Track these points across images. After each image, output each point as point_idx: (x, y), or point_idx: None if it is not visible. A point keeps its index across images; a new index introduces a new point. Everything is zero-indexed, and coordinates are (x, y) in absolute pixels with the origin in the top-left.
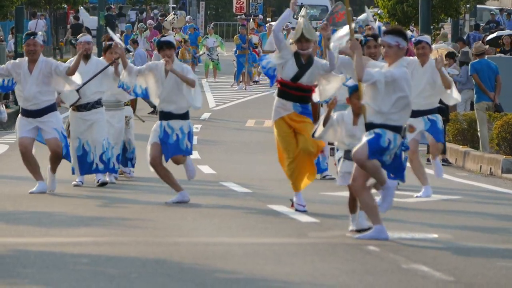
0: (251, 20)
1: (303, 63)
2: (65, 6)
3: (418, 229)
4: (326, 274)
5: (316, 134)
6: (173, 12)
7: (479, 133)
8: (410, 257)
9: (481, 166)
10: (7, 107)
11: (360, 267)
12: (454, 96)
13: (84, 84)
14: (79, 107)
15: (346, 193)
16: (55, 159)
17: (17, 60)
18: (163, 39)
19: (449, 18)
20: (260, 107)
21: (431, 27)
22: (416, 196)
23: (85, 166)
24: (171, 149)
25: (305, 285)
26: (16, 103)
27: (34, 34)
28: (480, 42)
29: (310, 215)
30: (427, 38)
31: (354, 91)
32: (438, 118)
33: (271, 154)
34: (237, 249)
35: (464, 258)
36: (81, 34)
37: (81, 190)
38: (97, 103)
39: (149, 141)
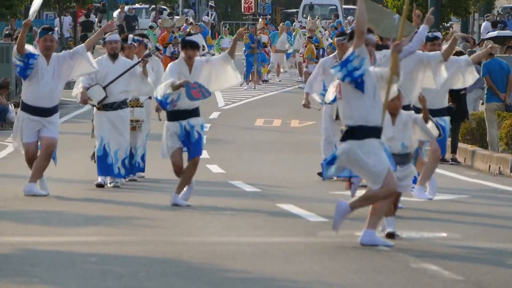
0: (260, 19)
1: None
2: (75, 5)
3: (427, 228)
4: (334, 273)
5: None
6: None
7: (487, 133)
8: (419, 256)
9: (490, 166)
10: (15, 106)
11: (369, 266)
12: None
13: (111, 82)
14: (105, 106)
15: None
16: (45, 158)
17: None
18: (188, 38)
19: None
20: (269, 106)
21: (440, 26)
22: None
23: (104, 167)
24: (193, 149)
25: (313, 284)
26: None
27: (51, 29)
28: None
29: (319, 214)
30: (439, 34)
31: None
32: (447, 123)
33: (280, 154)
34: (246, 248)
35: (473, 257)
36: (108, 33)
37: (89, 190)
38: (123, 103)
39: (169, 145)
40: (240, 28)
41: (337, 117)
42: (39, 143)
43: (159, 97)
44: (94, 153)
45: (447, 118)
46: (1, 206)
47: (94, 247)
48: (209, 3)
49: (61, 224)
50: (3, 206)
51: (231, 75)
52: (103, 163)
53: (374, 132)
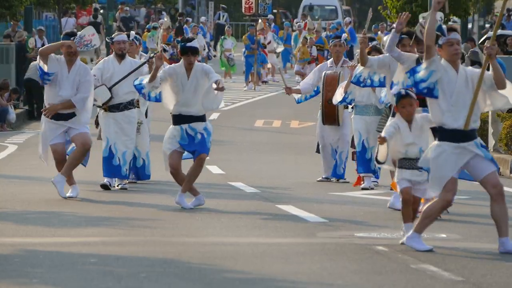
0: (259, 20)
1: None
2: (74, 6)
3: (426, 229)
4: (334, 274)
5: (380, 159)
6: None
7: (492, 130)
8: (418, 257)
9: None
10: (15, 107)
11: (368, 266)
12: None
13: (116, 83)
14: (111, 107)
15: (354, 193)
16: (82, 154)
17: (58, 56)
18: (188, 44)
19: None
20: (269, 107)
21: None
22: None
23: (110, 168)
24: (198, 148)
25: (313, 285)
26: (24, 104)
27: (74, 34)
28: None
29: (319, 215)
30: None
31: (399, 99)
32: None
33: (280, 154)
34: (246, 248)
35: (472, 258)
36: (116, 33)
37: (89, 191)
38: (130, 104)
39: (166, 147)
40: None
41: (324, 123)
42: (71, 146)
43: (135, 83)
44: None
45: None
46: (1, 207)
47: (95, 248)
48: (221, 5)
49: (62, 225)
50: (4, 207)
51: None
52: (109, 165)
53: (451, 135)
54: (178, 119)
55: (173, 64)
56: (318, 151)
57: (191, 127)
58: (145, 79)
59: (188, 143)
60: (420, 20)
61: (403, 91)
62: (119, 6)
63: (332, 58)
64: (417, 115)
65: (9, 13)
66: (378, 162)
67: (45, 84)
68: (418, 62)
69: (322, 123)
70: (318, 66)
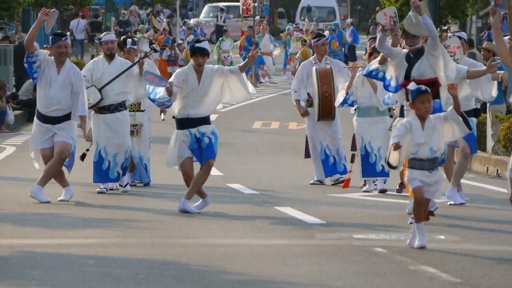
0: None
1: (412, 56)
2: (72, 7)
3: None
4: (332, 275)
5: (393, 163)
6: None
7: (491, 133)
8: (417, 259)
9: (487, 168)
10: (13, 109)
11: (367, 268)
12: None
13: (107, 84)
14: (101, 109)
15: (352, 195)
16: (57, 163)
17: (47, 57)
18: (197, 45)
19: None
20: (267, 108)
21: (438, 28)
22: (450, 204)
23: (100, 173)
24: (205, 153)
25: (311, 286)
26: (23, 105)
27: (64, 35)
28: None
29: (317, 216)
30: (463, 34)
31: (418, 95)
32: (475, 124)
33: (278, 156)
34: (244, 250)
35: (471, 260)
36: (104, 33)
37: (87, 192)
38: (121, 106)
39: (178, 155)
40: (253, 52)
41: (319, 119)
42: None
43: (151, 96)
44: (83, 154)
45: (474, 119)
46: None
47: (93, 249)
48: (220, 6)
49: (60, 226)
50: (2, 209)
51: (242, 91)
52: (98, 170)
53: None
54: (185, 122)
55: (181, 68)
56: (307, 155)
57: (199, 131)
58: (160, 94)
59: (197, 148)
60: (410, 13)
61: (423, 87)
62: (129, 9)
63: (315, 55)
64: (431, 115)
65: (7, 15)
66: (390, 166)
67: (34, 79)
68: (408, 56)
69: (316, 120)
70: (300, 66)
